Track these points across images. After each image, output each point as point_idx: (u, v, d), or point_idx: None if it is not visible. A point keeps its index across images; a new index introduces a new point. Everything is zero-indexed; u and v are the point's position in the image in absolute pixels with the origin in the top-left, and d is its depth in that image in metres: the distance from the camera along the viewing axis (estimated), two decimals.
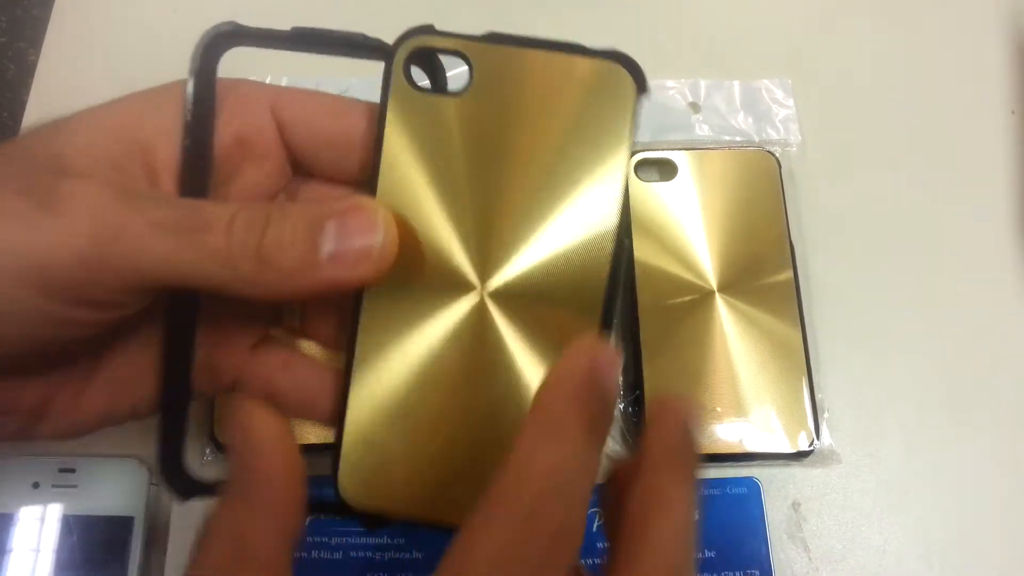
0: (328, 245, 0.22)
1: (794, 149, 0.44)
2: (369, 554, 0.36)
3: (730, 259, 0.40)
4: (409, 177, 0.23)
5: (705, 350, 0.39)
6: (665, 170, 0.42)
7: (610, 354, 0.22)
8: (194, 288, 0.23)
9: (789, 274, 0.40)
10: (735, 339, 0.39)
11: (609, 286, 0.24)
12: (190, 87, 0.24)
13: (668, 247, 0.41)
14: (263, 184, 0.27)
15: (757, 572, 0.36)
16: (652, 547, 0.20)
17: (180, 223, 0.22)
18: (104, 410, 0.26)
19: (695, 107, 0.45)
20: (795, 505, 0.38)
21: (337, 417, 0.25)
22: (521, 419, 0.20)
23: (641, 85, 0.24)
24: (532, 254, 0.24)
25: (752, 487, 0.38)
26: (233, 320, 0.27)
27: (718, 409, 0.38)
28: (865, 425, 0.39)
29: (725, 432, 0.38)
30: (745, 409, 0.38)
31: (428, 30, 0.24)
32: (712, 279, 0.40)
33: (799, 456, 0.38)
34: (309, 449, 0.37)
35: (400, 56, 0.24)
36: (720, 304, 0.40)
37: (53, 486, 0.36)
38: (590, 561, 0.35)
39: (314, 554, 0.36)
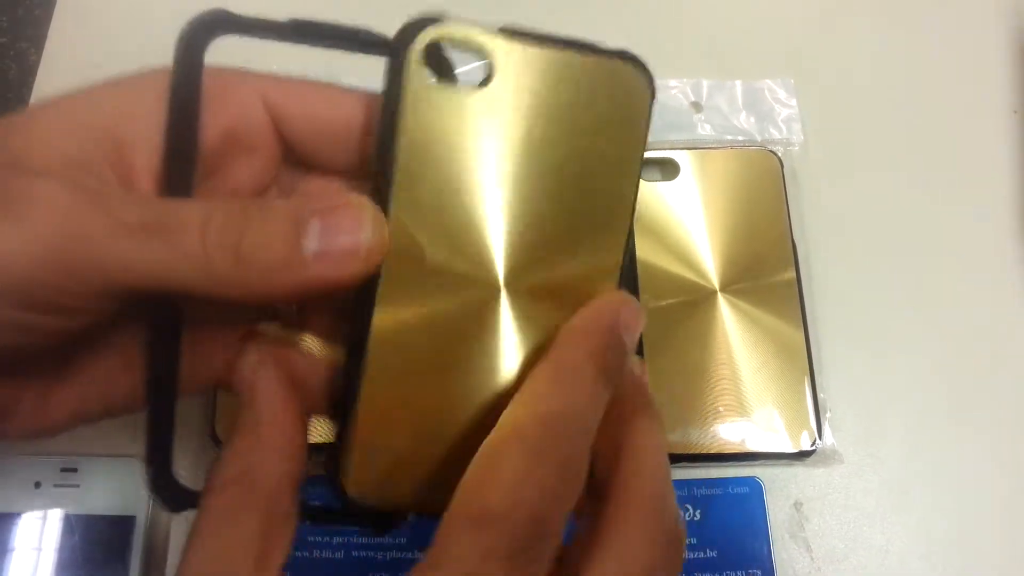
0: (312, 243, 0.21)
1: (796, 149, 0.44)
2: (370, 554, 0.36)
3: (732, 259, 0.40)
4: (427, 172, 0.23)
5: (707, 350, 0.39)
6: (667, 170, 0.42)
7: (637, 311, 0.23)
8: (168, 293, 0.21)
9: (791, 274, 0.40)
10: (737, 339, 0.39)
11: (619, 278, 0.24)
12: (173, 80, 0.23)
13: (670, 247, 0.41)
14: (253, 178, 0.26)
15: (759, 572, 0.36)
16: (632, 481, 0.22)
17: (150, 224, 0.20)
18: (74, 410, 0.24)
19: (697, 107, 0.45)
20: (797, 505, 0.38)
21: (340, 414, 0.24)
22: None
23: (652, 87, 0.24)
24: (551, 251, 0.24)
25: (754, 487, 0.38)
26: (216, 317, 0.26)
27: (720, 409, 0.38)
28: (867, 425, 0.39)
29: (727, 432, 0.38)
30: (747, 409, 0.38)
31: (445, 19, 0.23)
32: (714, 279, 0.40)
33: (801, 456, 0.38)
34: (311, 448, 0.37)
35: (419, 46, 0.22)
36: (722, 304, 0.40)
37: (55, 485, 0.36)
38: None
39: (315, 554, 0.36)
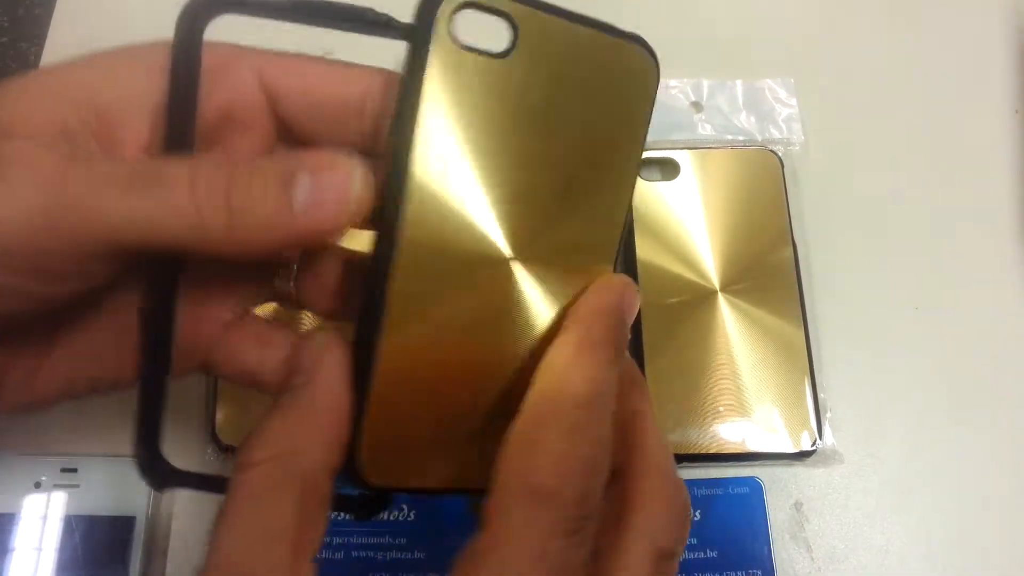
0: (302, 195, 0.21)
1: (797, 148, 0.44)
2: (370, 554, 0.36)
3: (732, 258, 0.40)
4: (448, 141, 0.23)
5: (707, 349, 0.39)
6: (667, 169, 0.42)
7: (637, 293, 0.24)
8: (158, 250, 0.21)
9: (791, 274, 0.40)
10: (737, 339, 0.39)
11: (620, 247, 0.25)
12: (173, 56, 0.23)
13: (670, 246, 0.41)
14: (246, 153, 0.26)
15: (759, 572, 0.36)
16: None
17: (137, 179, 0.20)
18: (63, 384, 0.25)
19: (697, 106, 0.45)
20: (797, 505, 0.38)
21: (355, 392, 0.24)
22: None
23: (657, 72, 0.25)
24: (559, 222, 0.24)
25: (754, 487, 0.38)
26: (205, 295, 0.26)
27: (720, 409, 0.38)
28: (867, 425, 0.39)
29: (728, 432, 0.38)
30: (747, 409, 0.38)
31: None
32: (714, 278, 0.40)
33: (801, 456, 0.38)
34: None
35: (447, 9, 0.22)
36: (722, 303, 0.40)
37: (55, 486, 0.36)
38: None
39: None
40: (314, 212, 0.21)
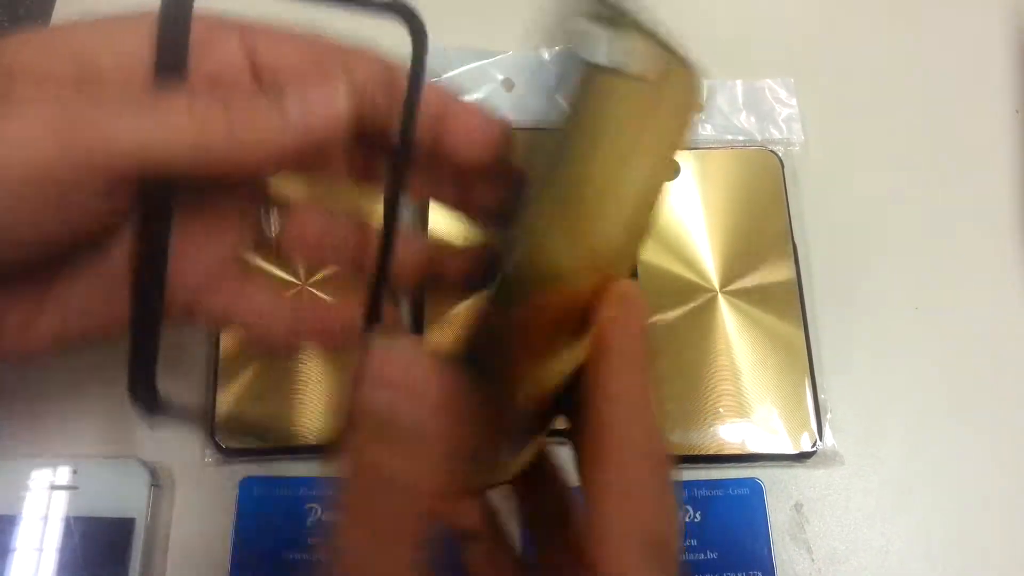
0: (294, 106, 0.23)
1: (797, 148, 0.44)
2: None
3: (733, 259, 0.40)
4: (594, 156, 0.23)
5: (707, 350, 0.39)
6: None
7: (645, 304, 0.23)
8: (161, 175, 0.22)
9: (792, 274, 0.40)
10: (737, 339, 0.39)
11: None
12: (161, 22, 0.23)
13: (670, 247, 0.41)
14: None
15: (759, 573, 0.36)
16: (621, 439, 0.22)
17: (140, 106, 0.22)
18: (57, 333, 0.25)
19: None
20: (797, 506, 0.38)
21: None
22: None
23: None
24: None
25: (754, 488, 0.38)
26: (192, 242, 0.27)
27: (720, 410, 0.38)
28: (867, 426, 0.39)
29: (727, 433, 0.38)
30: (748, 410, 0.38)
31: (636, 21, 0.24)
32: (714, 279, 0.40)
33: (802, 457, 0.38)
34: (309, 449, 0.37)
35: (621, 42, 0.23)
36: (722, 304, 0.40)
37: (54, 487, 0.36)
38: None
39: (314, 555, 0.36)
40: (307, 119, 0.23)
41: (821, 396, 0.38)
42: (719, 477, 0.38)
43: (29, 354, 0.25)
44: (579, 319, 0.23)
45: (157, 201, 0.24)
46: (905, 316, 0.42)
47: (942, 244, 0.43)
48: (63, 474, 0.36)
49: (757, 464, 0.38)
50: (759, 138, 0.44)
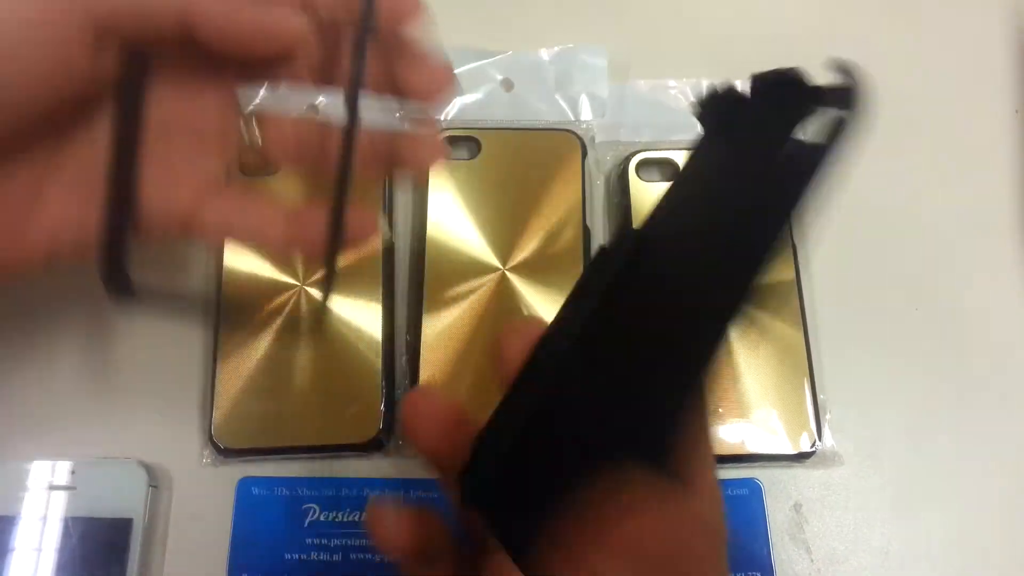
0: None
1: None
2: (368, 556, 0.36)
3: None
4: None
5: None
6: (666, 170, 0.42)
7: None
8: (146, 40, 0.25)
9: (791, 274, 0.40)
10: (737, 339, 0.39)
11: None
12: None
13: None
14: None
15: (758, 574, 0.36)
16: None
17: None
18: (48, 239, 0.27)
19: None
20: (797, 506, 0.38)
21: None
22: None
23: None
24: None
25: (754, 488, 0.38)
26: (185, 156, 0.29)
27: (720, 410, 0.38)
28: (867, 426, 0.39)
29: (727, 433, 0.37)
30: (746, 410, 0.38)
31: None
32: None
33: (801, 457, 0.38)
34: (307, 449, 0.37)
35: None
36: None
37: (52, 488, 0.36)
38: None
39: (312, 556, 0.36)
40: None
41: (820, 396, 0.38)
42: (718, 477, 0.38)
43: (21, 263, 0.27)
44: None
45: (137, 69, 0.26)
46: (905, 316, 0.41)
47: (942, 244, 0.43)
48: (61, 474, 0.36)
49: (756, 464, 0.38)
50: None
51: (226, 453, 0.37)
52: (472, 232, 0.40)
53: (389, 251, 0.40)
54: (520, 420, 0.20)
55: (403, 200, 0.42)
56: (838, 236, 0.42)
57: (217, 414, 0.37)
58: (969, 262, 0.42)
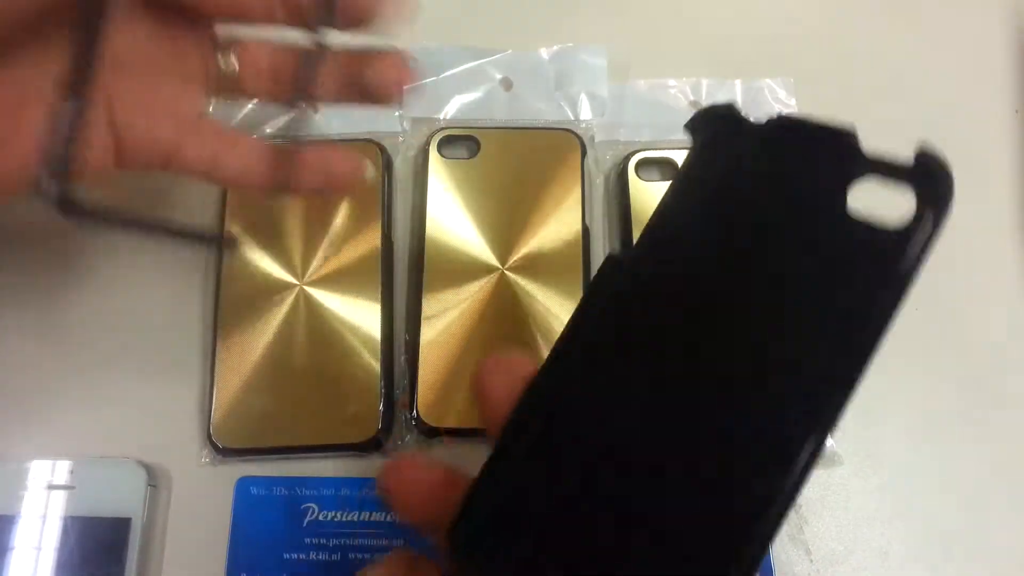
0: None
1: None
2: (367, 556, 0.36)
3: None
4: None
5: None
6: (666, 169, 0.42)
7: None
8: None
9: None
10: None
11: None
12: None
13: None
14: None
15: (757, 574, 0.36)
16: None
17: None
18: (33, 153, 0.26)
19: (697, 106, 0.45)
20: (796, 507, 0.38)
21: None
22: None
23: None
24: None
25: None
26: (166, 92, 0.30)
27: None
28: (866, 426, 0.39)
29: None
30: None
31: None
32: None
33: None
34: (306, 449, 0.37)
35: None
36: None
37: (51, 487, 0.36)
38: None
39: (311, 555, 0.36)
40: None
41: None
42: None
43: (9, 175, 0.26)
44: None
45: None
46: (905, 316, 0.41)
47: (942, 244, 0.43)
48: (60, 474, 0.36)
49: None
50: None
51: (225, 453, 0.37)
52: (471, 232, 0.40)
53: (388, 251, 0.40)
54: (515, 473, 0.19)
55: (402, 200, 0.42)
56: None
57: (216, 414, 0.37)
58: (969, 262, 0.42)
